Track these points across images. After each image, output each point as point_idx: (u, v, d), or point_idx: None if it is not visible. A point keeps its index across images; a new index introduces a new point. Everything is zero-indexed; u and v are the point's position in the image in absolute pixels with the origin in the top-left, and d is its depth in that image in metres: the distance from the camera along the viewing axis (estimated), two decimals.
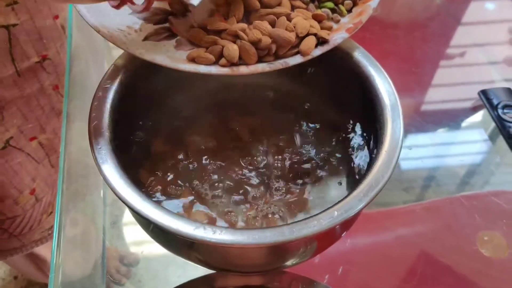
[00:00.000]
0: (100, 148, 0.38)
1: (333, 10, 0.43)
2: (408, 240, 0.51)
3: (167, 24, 0.42)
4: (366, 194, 0.35)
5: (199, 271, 0.46)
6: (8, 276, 1.20)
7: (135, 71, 0.43)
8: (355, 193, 0.35)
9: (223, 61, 0.39)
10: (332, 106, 0.49)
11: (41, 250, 0.88)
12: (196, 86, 0.49)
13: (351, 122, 0.47)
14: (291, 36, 0.39)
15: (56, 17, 0.65)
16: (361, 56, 0.44)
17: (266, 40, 0.39)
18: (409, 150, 0.58)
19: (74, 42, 0.67)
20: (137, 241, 0.53)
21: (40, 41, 0.64)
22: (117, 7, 0.37)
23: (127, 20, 0.41)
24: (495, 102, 0.60)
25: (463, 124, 0.64)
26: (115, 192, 0.35)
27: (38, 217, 0.79)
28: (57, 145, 0.77)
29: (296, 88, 0.50)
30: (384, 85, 0.42)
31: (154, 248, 0.50)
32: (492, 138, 0.61)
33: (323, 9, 0.42)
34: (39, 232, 0.81)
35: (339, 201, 0.35)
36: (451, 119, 0.64)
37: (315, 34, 0.40)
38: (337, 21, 0.42)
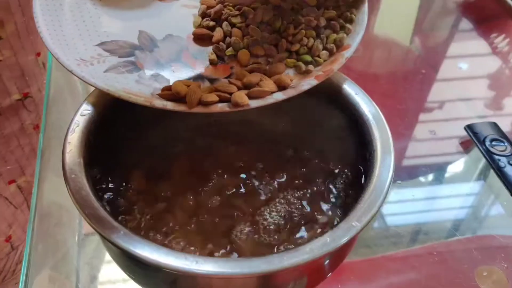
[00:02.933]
0: (74, 176, 0.36)
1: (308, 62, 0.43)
2: (404, 279, 0.48)
3: (132, 58, 0.42)
4: (359, 219, 0.33)
5: None
6: None
7: (112, 102, 0.41)
8: (348, 218, 0.33)
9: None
10: (319, 139, 0.47)
11: None
12: (182, 119, 0.48)
13: (341, 157, 0.45)
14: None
15: (38, 54, 0.64)
16: (348, 86, 0.44)
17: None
18: (399, 184, 0.56)
19: (53, 81, 0.66)
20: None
21: (22, 78, 0.63)
22: None
23: (91, 51, 0.41)
24: (481, 136, 0.59)
25: (452, 167, 0.63)
26: (90, 224, 0.33)
27: (13, 267, 0.75)
28: None
29: (280, 121, 0.48)
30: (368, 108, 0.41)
31: None
32: (484, 177, 0.60)
33: (298, 62, 0.42)
34: (12, 284, 0.76)
35: (331, 228, 0.33)
36: (437, 166, 0.63)
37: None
38: (309, 72, 0.41)
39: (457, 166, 0.63)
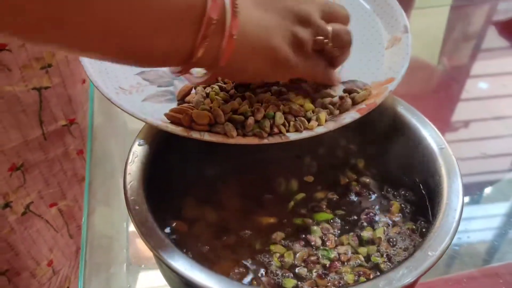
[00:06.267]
0: (138, 208, 0.35)
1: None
2: None
3: (171, 88, 0.42)
4: (434, 248, 0.32)
5: None
6: None
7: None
8: (422, 247, 0.32)
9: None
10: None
11: None
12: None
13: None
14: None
15: (83, 81, 0.65)
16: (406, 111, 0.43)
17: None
18: None
19: (96, 109, 0.66)
20: None
21: (69, 104, 0.63)
22: (178, 74, 0.36)
23: (131, 80, 0.41)
24: None
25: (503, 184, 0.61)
26: (158, 256, 0.32)
27: None
28: (76, 214, 0.74)
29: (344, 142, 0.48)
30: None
31: None
32: None
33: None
34: None
35: (405, 259, 0.32)
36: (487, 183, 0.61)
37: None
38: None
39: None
